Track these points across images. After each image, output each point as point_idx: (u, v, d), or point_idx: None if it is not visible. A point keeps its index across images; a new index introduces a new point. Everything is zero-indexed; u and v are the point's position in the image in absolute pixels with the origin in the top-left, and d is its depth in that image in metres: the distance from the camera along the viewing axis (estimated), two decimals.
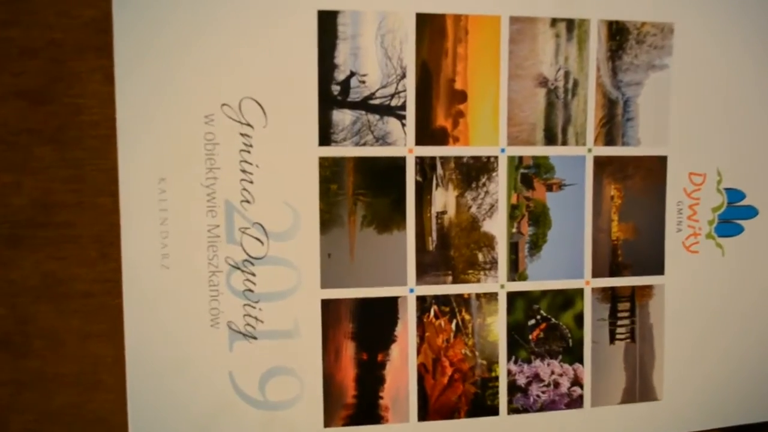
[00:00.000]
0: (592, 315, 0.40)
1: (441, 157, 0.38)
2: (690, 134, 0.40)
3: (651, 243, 0.40)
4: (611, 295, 0.40)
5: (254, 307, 0.36)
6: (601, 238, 0.40)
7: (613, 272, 0.40)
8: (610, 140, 0.39)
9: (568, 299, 0.40)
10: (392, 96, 0.37)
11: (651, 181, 0.40)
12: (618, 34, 0.39)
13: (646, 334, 0.41)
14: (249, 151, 0.35)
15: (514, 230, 0.39)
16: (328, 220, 0.37)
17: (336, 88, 0.36)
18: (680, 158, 0.40)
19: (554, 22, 0.38)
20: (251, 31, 0.35)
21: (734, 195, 0.41)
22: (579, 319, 0.40)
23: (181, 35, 0.34)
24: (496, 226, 0.39)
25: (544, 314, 0.39)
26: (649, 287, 0.41)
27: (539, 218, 0.39)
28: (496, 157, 0.38)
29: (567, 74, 0.39)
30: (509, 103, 0.38)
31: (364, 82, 0.36)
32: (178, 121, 0.34)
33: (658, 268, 0.40)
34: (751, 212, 0.42)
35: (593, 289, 0.40)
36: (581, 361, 0.40)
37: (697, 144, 0.40)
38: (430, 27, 0.37)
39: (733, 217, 0.41)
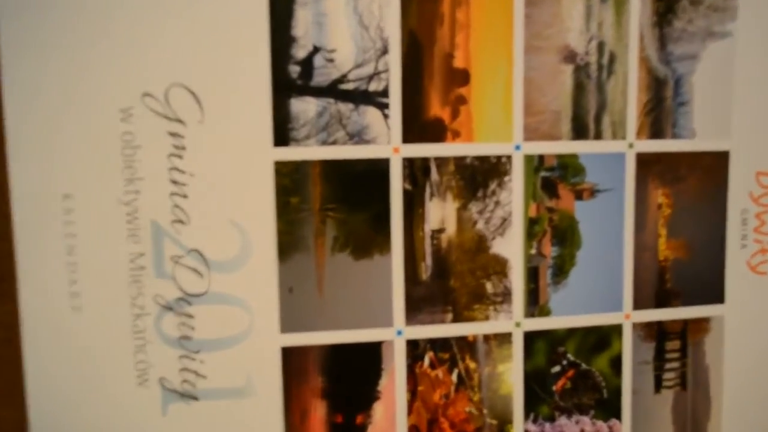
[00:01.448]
0: (633, 357, 0.37)
1: (436, 158, 0.34)
2: (759, 123, 0.37)
3: (708, 263, 0.37)
4: (657, 332, 0.37)
5: (194, 359, 0.33)
6: (645, 258, 0.36)
7: (661, 302, 0.37)
8: (656, 132, 0.35)
9: (602, 338, 0.36)
10: (370, 78, 0.33)
11: (709, 184, 0.36)
12: None
13: (700, 379, 0.38)
14: (181, 156, 0.32)
15: (534, 251, 0.35)
16: (288, 244, 0.33)
17: (295, 70, 0.32)
18: (746, 154, 0.37)
19: None
20: None
21: None
22: (616, 364, 0.37)
23: (83, 3, 0.31)
24: (510, 247, 0.35)
25: (572, 359, 0.36)
26: (706, 320, 0.37)
27: (566, 235, 0.35)
28: (509, 157, 0.34)
29: (601, 46, 0.34)
30: (526, 84, 0.34)
31: (332, 60, 0.32)
32: (85, 119, 0.31)
33: (718, 296, 0.38)
34: None
35: (635, 325, 0.37)
36: (619, 417, 0.37)
37: (767, 135, 0.37)
38: None
39: None
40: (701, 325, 0.37)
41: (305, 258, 0.33)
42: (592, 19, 0.34)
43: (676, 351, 0.37)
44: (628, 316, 0.36)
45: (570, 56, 0.34)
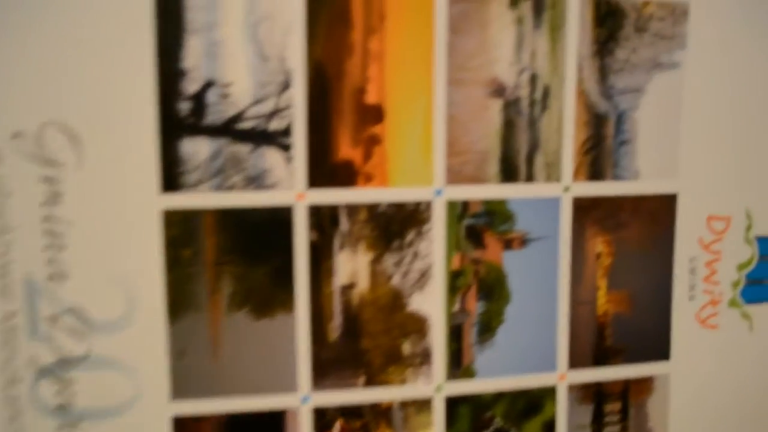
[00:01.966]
0: (568, 422, 0.35)
1: (346, 205, 0.31)
2: (710, 162, 0.35)
3: (653, 317, 0.35)
4: (595, 393, 0.35)
5: (74, 430, 0.31)
6: (582, 313, 0.34)
7: (599, 361, 0.35)
8: (596, 173, 0.34)
9: (533, 402, 0.34)
10: (271, 116, 0.30)
11: (654, 229, 0.35)
12: (609, 18, 0.33)
13: None
14: (57, 203, 0.30)
15: (457, 308, 0.33)
16: (178, 302, 0.31)
17: (185, 106, 0.29)
18: (696, 197, 0.35)
19: (515, 1, 0.32)
20: (53, 20, 0.29)
21: None
22: (549, 429, 0.35)
23: None
24: (430, 303, 0.33)
25: (501, 425, 0.34)
26: (649, 379, 0.36)
27: (493, 289, 0.33)
28: (428, 203, 0.32)
29: (534, 78, 0.32)
30: (448, 122, 0.32)
31: (227, 95, 0.30)
32: None
33: (663, 353, 0.36)
34: None
35: (570, 387, 0.35)
36: None
37: (720, 176, 0.36)
38: (327, 10, 0.30)
39: (765, 275, 0.37)
40: (644, 384, 0.36)
41: (198, 317, 0.31)
42: (523, 49, 0.32)
43: (616, 413, 0.35)
44: (562, 377, 0.34)
45: (498, 90, 0.32)
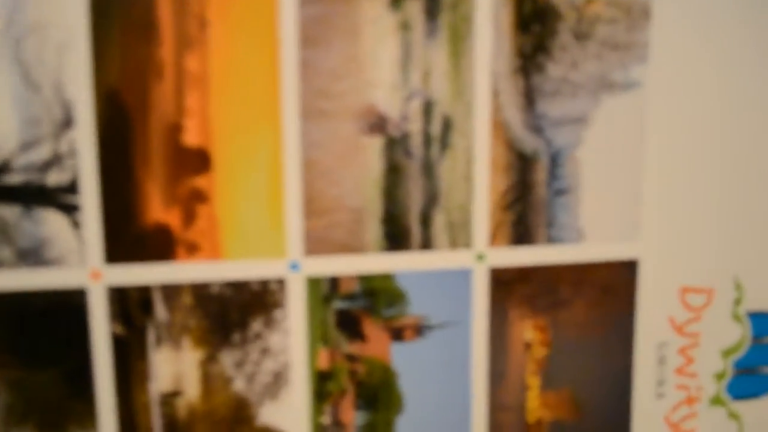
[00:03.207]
0: None
1: (163, 287, 0.22)
2: (684, 219, 0.25)
3: (606, 425, 0.26)
4: None
5: None
6: (506, 422, 0.25)
7: None
8: (522, 236, 0.24)
9: None
10: (47, 165, 0.21)
11: (607, 309, 0.25)
12: (538, 20, 0.23)
13: None
14: None
15: (327, 421, 0.23)
16: None
17: None
18: (665, 263, 0.26)
19: None
20: None
21: (765, 323, 0.26)
22: None
23: None
24: (289, 415, 0.23)
25: None
26: None
27: (378, 394, 0.24)
28: (281, 281, 0.23)
29: (429, 107, 0.22)
30: (306, 169, 0.22)
31: None
32: None
33: None
34: None
35: None
36: None
37: (699, 237, 0.26)
38: (122, 18, 0.20)
39: (761, 362, 0.27)
40: None
41: None
42: (411, 66, 0.22)
43: None
44: None
45: (377, 124, 0.22)
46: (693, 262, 0.25)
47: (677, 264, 0.25)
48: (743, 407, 0.27)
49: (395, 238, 0.23)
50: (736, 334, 0.26)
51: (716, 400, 0.26)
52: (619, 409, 0.26)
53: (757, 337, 0.26)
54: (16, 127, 0.21)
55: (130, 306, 0.22)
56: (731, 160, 0.25)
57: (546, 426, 0.25)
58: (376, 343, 0.23)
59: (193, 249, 0.22)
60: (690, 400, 0.26)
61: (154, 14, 0.21)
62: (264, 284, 0.22)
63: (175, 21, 0.21)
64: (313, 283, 0.23)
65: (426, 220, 0.23)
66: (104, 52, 0.21)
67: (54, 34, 0.20)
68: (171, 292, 0.22)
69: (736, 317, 0.26)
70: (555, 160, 0.24)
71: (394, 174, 0.23)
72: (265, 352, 0.23)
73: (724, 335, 0.26)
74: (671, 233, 0.25)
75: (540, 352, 0.25)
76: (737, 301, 0.26)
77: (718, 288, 0.26)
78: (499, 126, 0.23)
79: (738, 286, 0.26)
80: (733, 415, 0.27)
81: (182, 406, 0.23)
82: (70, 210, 0.21)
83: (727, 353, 0.26)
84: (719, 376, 0.26)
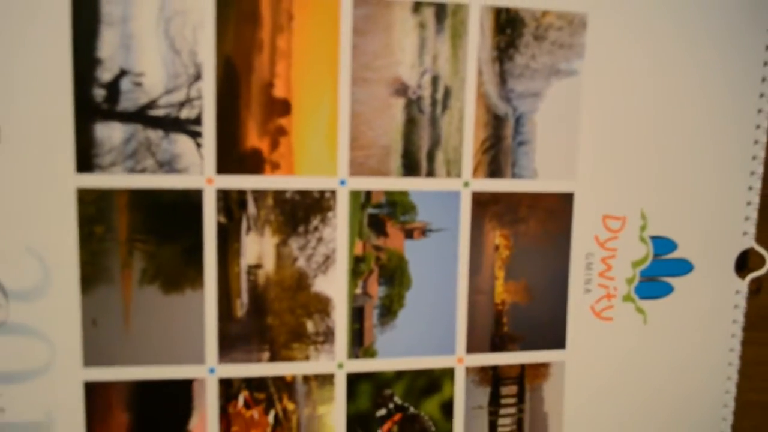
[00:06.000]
0: (466, 402, 0.33)
1: (254, 191, 0.29)
2: (605, 164, 0.33)
3: (549, 308, 0.33)
4: (493, 377, 0.32)
5: None
6: (480, 301, 0.32)
7: (497, 346, 0.32)
8: (495, 171, 0.31)
9: (432, 382, 0.32)
10: (182, 105, 0.28)
11: (551, 226, 0.32)
12: (509, 26, 0.31)
13: (538, 425, 0.33)
14: None
15: (359, 291, 0.31)
16: (91, 275, 0.29)
17: (100, 93, 0.28)
18: (592, 196, 0.33)
19: (418, 6, 0.29)
20: None
21: (663, 245, 0.34)
22: (448, 408, 0.32)
23: None
24: (333, 285, 0.31)
25: (400, 402, 0.32)
26: (545, 365, 0.33)
27: (394, 275, 0.31)
28: (333, 192, 0.30)
29: (435, 80, 0.30)
30: (352, 117, 0.30)
31: (140, 84, 0.28)
32: None
33: (558, 341, 0.33)
34: (683, 267, 0.34)
35: (468, 369, 0.33)
36: None
37: (615, 177, 0.33)
38: (236, 8, 0.28)
39: (660, 273, 0.34)
40: (540, 370, 0.33)
41: (110, 290, 0.29)
42: (425, 52, 0.30)
43: (513, 396, 0.33)
44: (460, 360, 0.32)
45: (401, 89, 0.30)
46: (612, 196, 0.33)
47: (601, 197, 0.33)
48: (647, 304, 0.34)
49: (410, 167, 0.31)
50: (642, 251, 0.33)
51: (627, 298, 0.34)
52: (559, 298, 0.33)
53: (657, 254, 0.34)
54: (163, 78, 0.28)
55: (231, 203, 0.29)
56: (644, 124, 0.32)
57: (507, 306, 0.32)
58: (394, 239, 0.31)
59: (275, 166, 0.29)
60: (609, 296, 0.33)
61: (258, 8, 0.29)
62: (321, 193, 0.30)
63: (271, 13, 0.29)
64: (354, 195, 0.30)
65: (431, 156, 0.31)
66: (224, 31, 0.28)
67: (191, 17, 0.28)
68: (259, 195, 0.30)
69: (642, 239, 0.33)
70: (518, 121, 0.31)
71: (411, 124, 0.30)
72: (320, 240, 0.30)
73: (634, 251, 0.33)
74: (596, 175, 0.32)
75: (505, 253, 0.32)
76: (642, 228, 0.33)
77: (630, 216, 0.33)
78: (482, 96, 0.31)
79: (643, 216, 0.33)
80: (639, 310, 0.34)
81: (262, 275, 0.30)
82: (195, 135, 0.29)
83: (635, 264, 0.34)
84: (630, 281, 0.34)
